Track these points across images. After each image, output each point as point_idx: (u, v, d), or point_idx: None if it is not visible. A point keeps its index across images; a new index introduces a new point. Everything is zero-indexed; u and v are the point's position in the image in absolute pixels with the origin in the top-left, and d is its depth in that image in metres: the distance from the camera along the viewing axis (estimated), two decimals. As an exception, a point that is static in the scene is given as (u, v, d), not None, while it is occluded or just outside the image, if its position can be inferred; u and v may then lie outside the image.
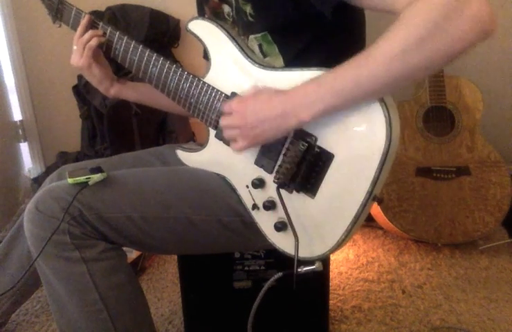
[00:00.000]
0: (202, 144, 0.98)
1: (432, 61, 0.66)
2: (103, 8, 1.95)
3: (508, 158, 1.83)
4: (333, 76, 0.72)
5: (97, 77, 1.04)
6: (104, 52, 1.03)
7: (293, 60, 0.89)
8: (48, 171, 2.12)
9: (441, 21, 0.63)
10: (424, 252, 1.70)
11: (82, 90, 1.96)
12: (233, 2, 0.94)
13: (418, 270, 1.60)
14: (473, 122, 1.69)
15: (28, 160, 2.29)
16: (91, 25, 1.01)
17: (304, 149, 0.80)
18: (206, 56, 1.09)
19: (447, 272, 1.59)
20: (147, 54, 0.97)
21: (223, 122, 0.85)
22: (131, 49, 0.98)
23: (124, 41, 0.99)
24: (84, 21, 1.00)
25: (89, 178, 0.84)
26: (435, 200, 1.67)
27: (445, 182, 1.68)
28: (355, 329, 1.31)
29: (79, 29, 1.00)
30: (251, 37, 0.93)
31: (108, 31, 1.00)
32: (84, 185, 0.84)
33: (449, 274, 1.58)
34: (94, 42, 0.99)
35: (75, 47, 1.01)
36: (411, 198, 1.67)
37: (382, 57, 0.67)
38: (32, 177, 2.22)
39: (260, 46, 0.92)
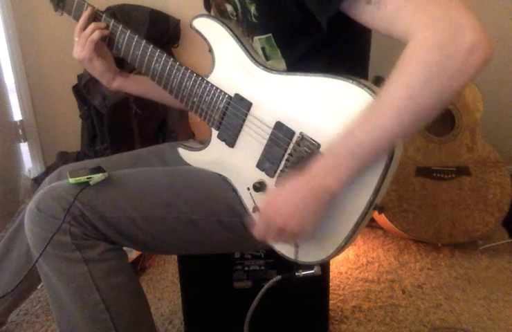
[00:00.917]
0: (203, 142, 0.98)
1: (440, 99, 0.65)
2: (103, 8, 1.95)
3: (508, 158, 1.83)
4: (347, 142, 0.71)
5: (99, 70, 1.03)
6: (107, 46, 1.02)
7: (296, 64, 0.88)
8: (48, 171, 2.12)
9: (441, 59, 0.63)
10: (424, 252, 1.71)
11: (82, 90, 1.96)
12: (237, 2, 0.93)
13: (418, 270, 1.60)
14: (473, 122, 1.70)
15: (28, 160, 2.29)
16: (94, 17, 0.99)
17: (306, 155, 0.80)
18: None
19: (447, 272, 1.59)
20: (149, 50, 0.96)
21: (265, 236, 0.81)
22: (134, 43, 0.97)
23: (127, 35, 0.97)
24: (86, 12, 0.98)
25: (90, 177, 0.84)
26: (435, 200, 1.67)
27: (445, 182, 1.68)
28: (355, 329, 1.31)
29: (81, 21, 0.98)
30: (255, 38, 0.92)
31: (112, 24, 0.99)
32: (85, 184, 0.84)
33: (449, 274, 1.58)
34: (96, 35, 0.97)
35: (76, 39, 0.99)
36: (411, 198, 1.67)
37: (391, 111, 0.67)
38: (32, 177, 2.22)
39: (263, 49, 0.92)
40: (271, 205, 0.78)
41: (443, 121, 1.73)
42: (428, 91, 0.64)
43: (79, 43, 0.99)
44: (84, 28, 0.98)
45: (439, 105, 0.67)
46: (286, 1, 0.82)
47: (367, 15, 0.71)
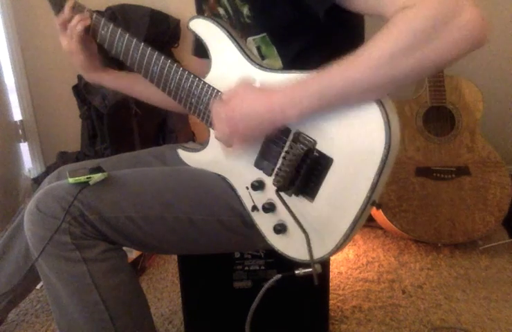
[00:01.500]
0: (202, 144, 0.98)
1: (420, 68, 0.67)
2: (103, 8, 1.95)
3: (508, 158, 1.83)
4: (321, 77, 0.73)
5: (80, 63, 1.03)
6: (107, 49, 1.02)
7: (292, 62, 0.89)
8: (48, 171, 2.12)
9: (431, 30, 0.64)
10: (424, 252, 1.71)
11: (82, 90, 1.96)
12: (228, 6, 0.94)
13: (418, 270, 1.60)
14: (473, 122, 1.70)
15: (28, 160, 2.29)
16: (77, 9, 0.99)
17: (303, 152, 0.80)
18: (197, 53, 1.08)
19: (447, 272, 1.59)
20: (148, 53, 0.96)
21: (214, 120, 0.84)
22: (132, 46, 0.97)
23: (126, 38, 0.98)
24: (69, 2, 0.98)
25: (90, 177, 0.84)
26: (435, 200, 1.67)
27: (445, 182, 1.68)
28: (355, 329, 1.31)
29: (66, 11, 0.99)
30: (249, 39, 0.92)
31: (110, 28, 0.99)
32: (85, 184, 0.84)
33: (449, 274, 1.58)
34: (81, 26, 0.97)
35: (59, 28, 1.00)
36: (411, 198, 1.67)
37: (370, 60, 0.68)
38: (32, 177, 2.22)
39: (258, 48, 0.92)
40: (231, 110, 0.80)
41: (443, 121, 1.73)
42: (410, 57, 0.65)
43: (66, 35, 0.99)
44: (70, 20, 0.98)
45: (417, 74, 0.68)
46: (280, 0, 0.82)
47: (362, 1, 0.72)
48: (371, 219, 1.82)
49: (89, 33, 1.00)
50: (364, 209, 0.77)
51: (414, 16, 0.65)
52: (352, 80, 0.70)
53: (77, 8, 1.00)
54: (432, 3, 0.64)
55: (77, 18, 0.98)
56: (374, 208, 0.79)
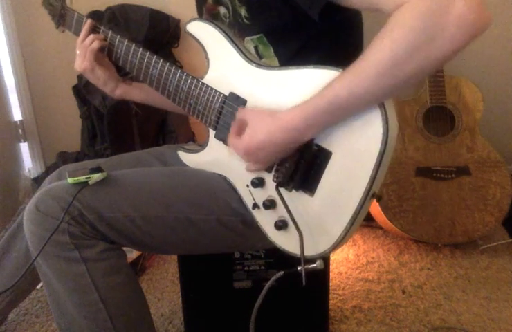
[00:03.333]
0: (202, 145, 0.99)
1: (423, 68, 0.66)
2: (103, 8, 1.95)
3: (508, 158, 1.83)
4: (328, 96, 0.73)
5: (102, 80, 1.06)
6: (108, 56, 1.05)
7: (289, 61, 0.89)
8: (48, 171, 2.12)
9: (429, 28, 0.63)
10: (424, 252, 1.71)
11: (82, 90, 1.96)
12: (229, 4, 0.94)
13: (418, 270, 1.60)
14: (473, 122, 1.70)
15: (28, 160, 2.29)
16: (93, 29, 1.03)
17: (302, 147, 0.80)
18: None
19: (447, 272, 1.59)
20: (147, 57, 0.98)
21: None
22: (131, 52, 1.00)
23: (125, 44, 1.00)
24: (85, 25, 1.03)
25: (89, 177, 0.84)
26: (435, 200, 1.67)
27: (445, 182, 1.68)
28: (355, 329, 1.31)
29: (82, 33, 1.02)
30: (246, 39, 0.93)
31: (109, 35, 1.02)
32: (84, 184, 0.84)
33: (449, 274, 1.58)
34: (96, 45, 1.01)
35: (77, 51, 1.03)
36: (411, 198, 1.67)
37: (373, 71, 0.68)
38: (32, 177, 2.22)
39: (256, 48, 0.93)
40: (247, 148, 0.81)
41: (443, 121, 1.73)
42: (413, 59, 0.65)
43: (80, 55, 1.03)
44: (84, 40, 1.02)
45: (422, 73, 0.67)
46: (276, 1, 0.82)
47: None
48: (371, 219, 1.82)
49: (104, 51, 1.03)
50: (364, 201, 0.76)
51: (409, 17, 0.64)
52: (358, 94, 0.70)
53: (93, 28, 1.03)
54: (425, 1, 0.63)
55: (91, 37, 1.01)
56: (375, 200, 0.79)
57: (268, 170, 0.86)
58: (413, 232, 1.67)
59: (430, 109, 1.72)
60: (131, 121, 1.91)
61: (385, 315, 1.37)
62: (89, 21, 1.03)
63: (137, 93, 1.13)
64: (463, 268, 1.61)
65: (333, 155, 0.79)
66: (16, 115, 2.21)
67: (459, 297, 1.45)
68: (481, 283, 1.52)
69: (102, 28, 1.03)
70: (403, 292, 1.48)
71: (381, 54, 0.66)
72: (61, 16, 1.07)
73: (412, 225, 1.66)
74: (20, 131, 2.21)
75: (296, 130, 0.76)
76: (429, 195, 1.67)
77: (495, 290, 1.49)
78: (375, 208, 1.70)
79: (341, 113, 0.74)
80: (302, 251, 0.78)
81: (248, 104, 0.88)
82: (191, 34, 0.94)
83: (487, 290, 1.49)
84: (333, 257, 1.65)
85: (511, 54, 2.07)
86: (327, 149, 0.79)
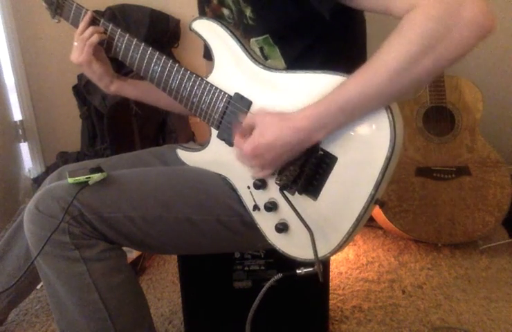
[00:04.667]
0: (202, 144, 0.98)
1: (434, 68, 0.68)
2: (103, 8, 1.95)
3: (508, 158, 1.83)
4: (340, 95, 0.73)
5: (97, 74, 1.04)
6: (105, 50, 1.03)
7: (295, 62, 0.89)
8: (48, 171, 2.12)
9: (441, 29, 0.65)
10: (424, 252, 1.71)
11: (82, 90, 1.96)
12: (232, 6, 0.94)
13: (418, 270, 1.60)
14: (473, 122, 1.69)
15: (28, 160, 2.29)
16: (93, 21, 1.01)
17: (307, 151, 0.80)
18: (206, 56, 1.09)
19: (447, 272, 1.59)
20: (148, 53, 0.96)
21: (240, 158, 0.85)
22: (132, 47, 0.98)
23: (126, 38, 0.98)
24: (86, 17, 1.00)
25: (89, 177, 0.84)
26: (435, 200, 1.67)
27: (445, 182, 1.68)
28: (355, 329, 1.31)
29: (81, 25, 1.00)
30: (252, 40, 0.92)
31: (110, 28, 1.00)
32: (84, 184, 0.84)
33: (449, 274, 1.58)
34: (95, 39, 0.98)
35: (75, 43, 1.01)
36: (411, 198, 1.67)
37: (386, 72, 0.69)
38: (32, 177, 2.22)
39: (261, 49, 0.92)
40: (255, 148, 0.80)
41: (443, 121, 1.73)
42: (425, 60, 0.66)
43: (78, 47, 1.00)
44: (83, 32, 0.99)
45: (434, 73, 0.70)
46: (283, 1, 0.82)
47: None
48: (371, 219, 1.81)
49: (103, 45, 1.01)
50: (367, 207, 0.76)
51: (421, 20, 0.66)
52: (370, 95, 0.71)
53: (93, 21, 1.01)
54: (436, 2, 0.65)
55: (90, 30, 0.99)
56: (378, 206, 0.79)
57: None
58: (413, 232, 1.67)
59: (430, 109, 1.71)
60: (131, 121, 1.91)
61: (385, 315, 1.37)
62: (89, 12, 1.00)
63: (131, 89, 1.11)
64: (463, 268, 1.61)
65: (338, 160, 0.78)
66: (16, 115, 2.20)
67: (459, 297, 1.45)
68: (481, 283, 1.52)
69: (102, 20, 1.00)
70: (403, 292, 1.48)
71: (396, 53, 0.68)
72: (59, 6, 1.04)
73: (412, 225, 1.66)
74: (20, 131, 2.21)
75: (307, 130, 0.76)
76: (429, 195, 1.67)
77: (495, 290, 1.49)
78: (375, 208, 1.70)
79: (352, 113, 0.74)
80: (315, 248, 0.78)
81: (253, 106, 0.87)
82: (196, 32, 0.93)
83: (487, 290, 1.49)
84: (333, 257, 1.64)
85: (511, 54, 2.07)
86: (333, 154, 0.79)
